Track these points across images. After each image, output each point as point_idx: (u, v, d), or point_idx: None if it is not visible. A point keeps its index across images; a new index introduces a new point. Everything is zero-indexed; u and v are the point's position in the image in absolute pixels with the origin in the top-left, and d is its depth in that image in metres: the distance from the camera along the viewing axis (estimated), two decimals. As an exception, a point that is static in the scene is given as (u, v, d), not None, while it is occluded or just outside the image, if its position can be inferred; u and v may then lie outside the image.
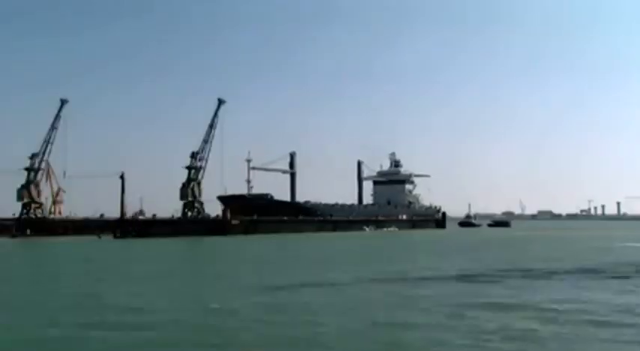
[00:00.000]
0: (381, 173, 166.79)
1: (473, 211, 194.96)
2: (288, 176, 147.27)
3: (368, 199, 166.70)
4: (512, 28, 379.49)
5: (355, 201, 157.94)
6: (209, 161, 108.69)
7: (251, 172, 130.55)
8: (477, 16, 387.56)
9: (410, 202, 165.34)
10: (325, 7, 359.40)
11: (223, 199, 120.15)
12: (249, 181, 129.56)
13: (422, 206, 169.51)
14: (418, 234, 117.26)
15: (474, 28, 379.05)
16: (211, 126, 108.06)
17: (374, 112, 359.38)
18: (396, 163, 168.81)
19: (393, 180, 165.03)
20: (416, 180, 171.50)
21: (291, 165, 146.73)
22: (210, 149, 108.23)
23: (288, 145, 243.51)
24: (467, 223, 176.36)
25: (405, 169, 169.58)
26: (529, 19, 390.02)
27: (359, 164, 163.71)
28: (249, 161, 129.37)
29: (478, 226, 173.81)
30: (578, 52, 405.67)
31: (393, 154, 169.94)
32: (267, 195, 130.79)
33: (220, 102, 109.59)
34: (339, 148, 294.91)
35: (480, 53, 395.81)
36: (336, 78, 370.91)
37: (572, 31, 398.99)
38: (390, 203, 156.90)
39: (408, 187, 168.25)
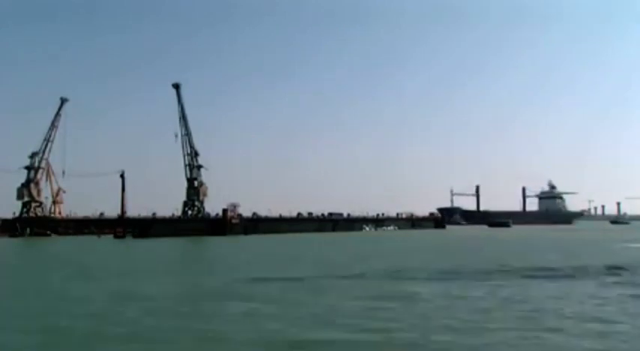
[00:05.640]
0: (543, 192, 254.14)
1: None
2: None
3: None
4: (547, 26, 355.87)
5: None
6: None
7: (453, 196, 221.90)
8: (508, 13, 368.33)
9: (560, 210, 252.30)
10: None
11: (442, 210, 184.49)
12: (452, 201, 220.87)
13: (567, 211, 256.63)
14: (439, 234, 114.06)
15: (504, 25, 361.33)
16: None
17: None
18: (553, 186, 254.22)
19: (551, 196, 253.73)
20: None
21: (477, 190, 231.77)
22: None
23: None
24: (617, 221, 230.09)
25: (557, 189, 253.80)
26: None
27: (523, 190, 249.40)
28: (451, 190, 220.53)
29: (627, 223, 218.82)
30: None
31: (550, 181, 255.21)
32: (458, 208, 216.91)
33: None
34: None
35: (505, 57, 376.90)
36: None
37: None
38: (548, 210, 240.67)
39: (559, 201, 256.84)
